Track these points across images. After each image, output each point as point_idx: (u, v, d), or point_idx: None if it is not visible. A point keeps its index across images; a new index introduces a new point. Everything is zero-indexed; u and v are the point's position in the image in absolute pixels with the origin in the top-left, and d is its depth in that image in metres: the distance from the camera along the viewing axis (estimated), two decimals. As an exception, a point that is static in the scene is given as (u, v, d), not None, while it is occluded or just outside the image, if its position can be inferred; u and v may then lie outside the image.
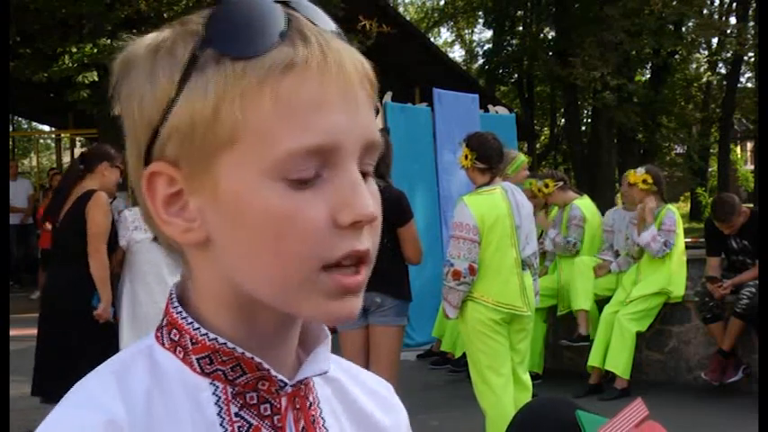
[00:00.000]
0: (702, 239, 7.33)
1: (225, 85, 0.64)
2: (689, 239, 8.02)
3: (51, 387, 4.71)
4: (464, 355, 6.93)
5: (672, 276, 6.41)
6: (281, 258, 0.65)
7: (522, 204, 4.58)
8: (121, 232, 4.88)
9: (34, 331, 4.88)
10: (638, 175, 6.37)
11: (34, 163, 21.45)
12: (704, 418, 5.60)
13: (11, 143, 17.71)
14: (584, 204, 7.12)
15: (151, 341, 0.72)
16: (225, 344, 0.69)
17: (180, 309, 0.71)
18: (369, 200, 0.66)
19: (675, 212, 6.50)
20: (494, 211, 4.40)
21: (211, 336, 0.69)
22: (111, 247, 4.81)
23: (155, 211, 0.69)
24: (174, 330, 0.71)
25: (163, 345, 0.71)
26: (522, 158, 5.91)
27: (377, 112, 0.72)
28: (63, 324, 4.67)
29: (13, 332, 5.46)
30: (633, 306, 6.33)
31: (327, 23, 0.69)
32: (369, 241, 0.67)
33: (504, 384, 4.43)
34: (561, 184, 7.14)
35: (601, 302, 6.72)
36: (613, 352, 6.26)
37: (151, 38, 0.69)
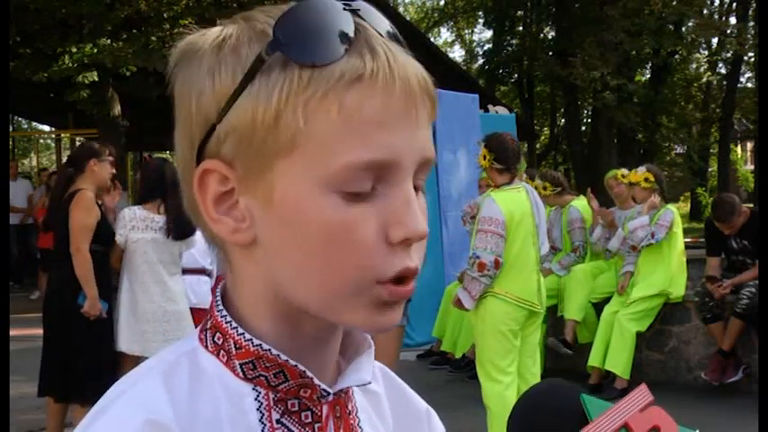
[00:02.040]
0: (702, 239, 7.33)
1: (290, 92, 0.63)
2: (689, 239, 8.02)
3: (54, 386, 4.73)
4: (464, 355, 6.96)
5: (672, 277, 6.42)
6: (331, 268, 0.65)
7: (540, 205, 4.69)
8: (119, 231, 4.89)
9: (34, 331, 4.90)
10: (639, 174, 6.39)
11: (34, 163, 21.50)
12: (704, 418, 5.59)
13: (11, 143, 17.69)
14: (582, 205, 7.15)
15: (195, 343, 0.72)
16: (269, 350, 0.68)
17: (224, 312, 0.71)
18: (420, 218, 0.66)
19: (675, 212, 6.50)
20: (520, 208, 4.48)
21: (255, 342, 0.69)
22: (107, 242, 4.82)
23: (204, 208, 0.68)
24: (218, 334, 0.70)
25: (206, 347, 0.71)
26: (523, 163, 5.90)
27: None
28: (60, 324, 4.68)
29: (13, 332, 5.46)
30: (633, 306, 6.34)
31: (388, 29, 0.69)
32: (418, 258, 0.68)
33: (510, 383, 4.48)
34: (559, 190, 7.15)
35: (600, 305, 6.73)
36: (613, 352, 6.27)
37: (215, 32, 0.69)
